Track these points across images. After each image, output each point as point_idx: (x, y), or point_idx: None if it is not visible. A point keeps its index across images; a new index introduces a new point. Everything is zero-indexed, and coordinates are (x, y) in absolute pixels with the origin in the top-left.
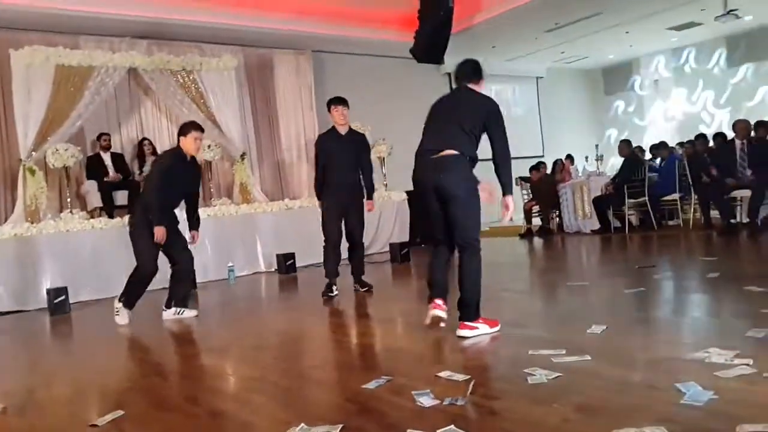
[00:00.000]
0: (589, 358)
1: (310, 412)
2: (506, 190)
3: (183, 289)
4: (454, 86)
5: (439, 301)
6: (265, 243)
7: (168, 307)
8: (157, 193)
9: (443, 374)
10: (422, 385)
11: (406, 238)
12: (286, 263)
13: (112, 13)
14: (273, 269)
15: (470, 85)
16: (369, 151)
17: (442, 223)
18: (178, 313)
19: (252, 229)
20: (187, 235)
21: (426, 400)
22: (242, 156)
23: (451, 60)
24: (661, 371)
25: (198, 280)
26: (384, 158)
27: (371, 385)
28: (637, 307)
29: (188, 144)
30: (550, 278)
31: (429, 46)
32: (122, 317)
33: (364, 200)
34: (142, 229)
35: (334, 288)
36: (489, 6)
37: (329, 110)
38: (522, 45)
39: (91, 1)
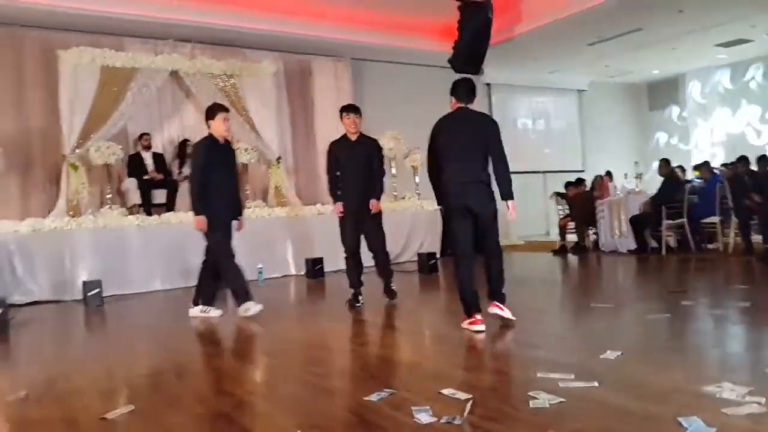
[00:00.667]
0: (597, 384)
1: (308, 421)
2: (510, 196)
3: (212, 288)
4: (458, 104)
5: (479, 316)
6: (296, 246)
7: (195, 304)
8: (198, 182)
9: (446, 391)
10: (423, 400)
11: (437, 248)
12: (314, 267)
13: (157, 16)
14: (302, 272)
15: (470, 105)
16: (380, 156)
17: (471, 237)
18: (204, 311)
19: (284, 232)
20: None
21: (424, 417)
22: (278, 160)
23: (491, 71)
24: (667, 403)
25: None
26: (417, 167)
27: (373, 397)
28: (657, 334)
29: (218, 125)
30: (576, 298)
31: (467, 56)
32: (213, 312)
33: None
34: (212, 221)
35: (360, 298)
36: (530, 18)
37: (341, 118)
38: (564, 57)
39: (137, 4)
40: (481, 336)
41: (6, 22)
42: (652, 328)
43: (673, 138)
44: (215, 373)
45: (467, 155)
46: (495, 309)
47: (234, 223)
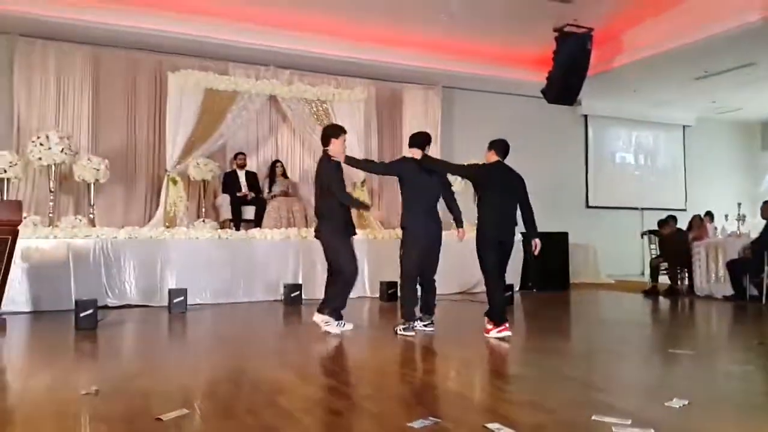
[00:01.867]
0: None
1: None
2: (537, 235)
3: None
4: (496, 158)
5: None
6: (372, 268)
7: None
8: (343, 188)
9: (492, 425)
10: None
11: (517, 280)
12: (387, 291)
13: (260, 44)
14: (376, 295)
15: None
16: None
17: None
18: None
19: (361, 253)
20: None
21: None
22: (362, 183)
23: (589, 102)
24: None
25: (304, 296)
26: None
27: (416, 424)
28: (733, 386)
29: (339, 145)
30: (654, 342)
31: (562, 87)
32: (333, 326)
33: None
34: (337, 231)
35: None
36: (631, 49)
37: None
38: (667, 91)
39: (242, 32)
40: (535, 372)
41: (125, 46)
42: (729, 380)
43: None
44: (272, 385)
45: (507, 201)
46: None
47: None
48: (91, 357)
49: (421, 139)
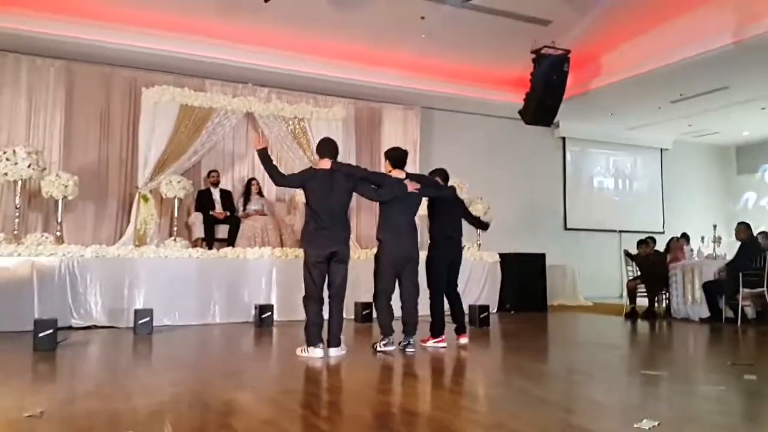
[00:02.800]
0: None
1: None
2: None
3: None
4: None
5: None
6: (348, 290)
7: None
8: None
9: None
10: None
11: (494, 301)
12: (362, 312)
13: (239, 61)
14: (351, 317)
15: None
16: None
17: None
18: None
19: None
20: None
21: None
22: None
23: (566, 124)
24: None
25: (277, 318)
26: (479, 217)
27: None
28: (704, 407)
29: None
30: (627, 363)
31: (539, 109)
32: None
33: None
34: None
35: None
36: (608, 72)
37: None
38: (644, 114)
39: (218, 48)
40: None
41: (99, 61)
42: (701, 400)
43: (762, 202)
44: (227, 407)
45: (455, 220)
46: (464, 339)
47: None
48: (44, 379)
49: (405, 158)
